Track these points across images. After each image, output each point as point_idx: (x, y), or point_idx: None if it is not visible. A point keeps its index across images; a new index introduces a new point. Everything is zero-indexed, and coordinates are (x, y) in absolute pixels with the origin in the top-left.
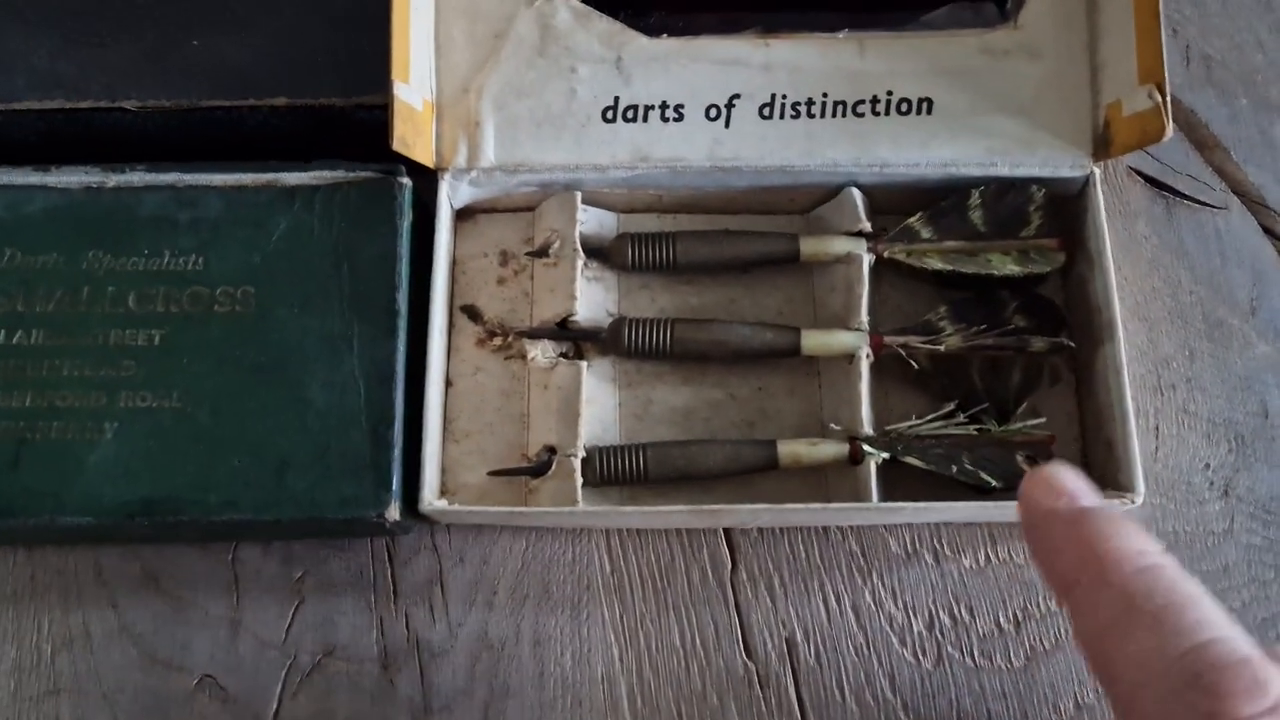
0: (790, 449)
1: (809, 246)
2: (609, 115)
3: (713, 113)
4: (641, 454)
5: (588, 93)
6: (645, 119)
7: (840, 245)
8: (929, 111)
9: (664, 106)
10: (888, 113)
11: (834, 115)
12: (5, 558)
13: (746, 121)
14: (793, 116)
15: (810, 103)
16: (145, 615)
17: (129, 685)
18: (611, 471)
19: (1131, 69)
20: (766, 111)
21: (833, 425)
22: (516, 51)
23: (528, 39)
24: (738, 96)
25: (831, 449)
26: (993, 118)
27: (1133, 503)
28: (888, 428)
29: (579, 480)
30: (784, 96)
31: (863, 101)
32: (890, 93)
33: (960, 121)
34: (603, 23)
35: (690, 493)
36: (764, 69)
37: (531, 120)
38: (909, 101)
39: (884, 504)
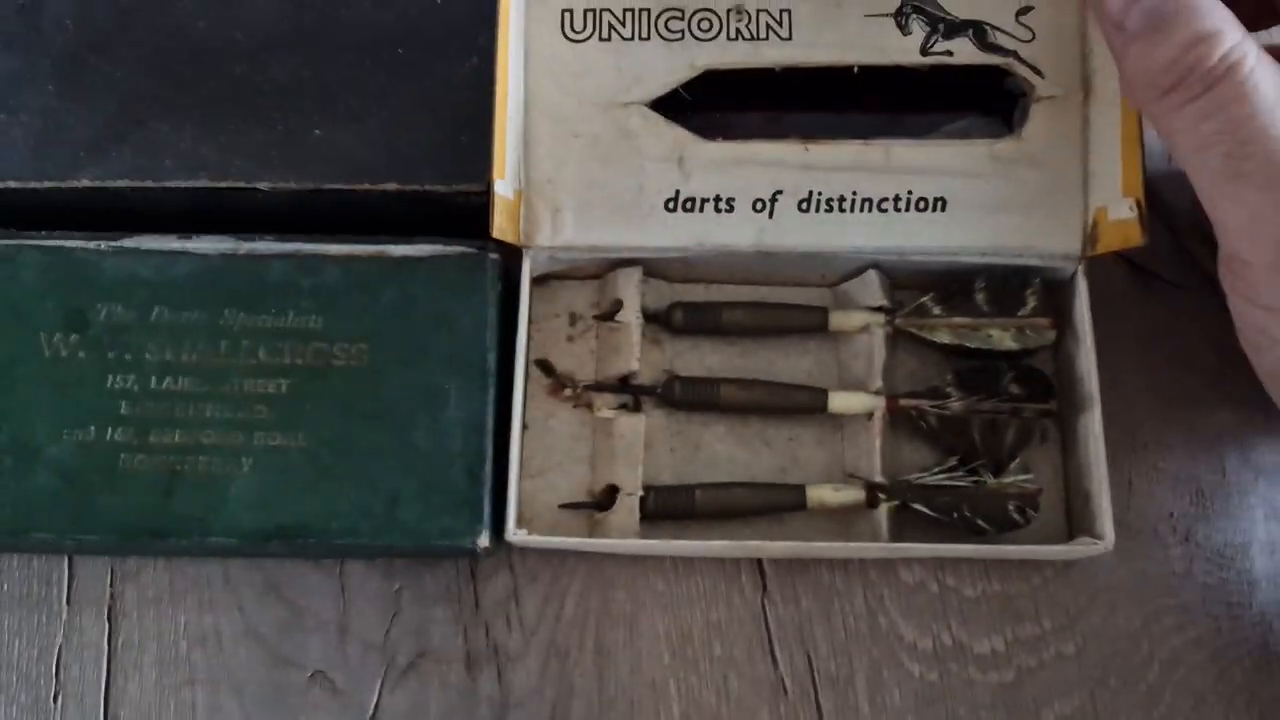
0: (817, 493)
1: (836, 319)
2: (670, 205)
3: (758, 205)
4: (691, 494)
5: (653, 186)
6: (701, 209)
7: (862, 318)
8: (943, 209)
9: (717, 200)
10: (908, 209)
11: (862, 210)
12: (148, 566)
13: (787, 213)
14: (826, 210)
15: (842, 199)
16: (268, 619)
17: (254, 678)
18: (665, 508)
19: (1117, 181)
20: (804, 205)
21: (853, 474)
22: (593, 150)
23: (603, 139)
24: (780, 192)
25: (851, 494)
26: (998, 215)
27: (1104, 547)
28: (900, 478)
29: (637, 515)
30: (819, 193)
31: (886, 199)
32: (910, 191)
33: (970, 217)
34: (668, 128)
35: (731, 527)
36: (803, 169)
37: (604, 207)
38: (926, 200)
39: (895, 544)
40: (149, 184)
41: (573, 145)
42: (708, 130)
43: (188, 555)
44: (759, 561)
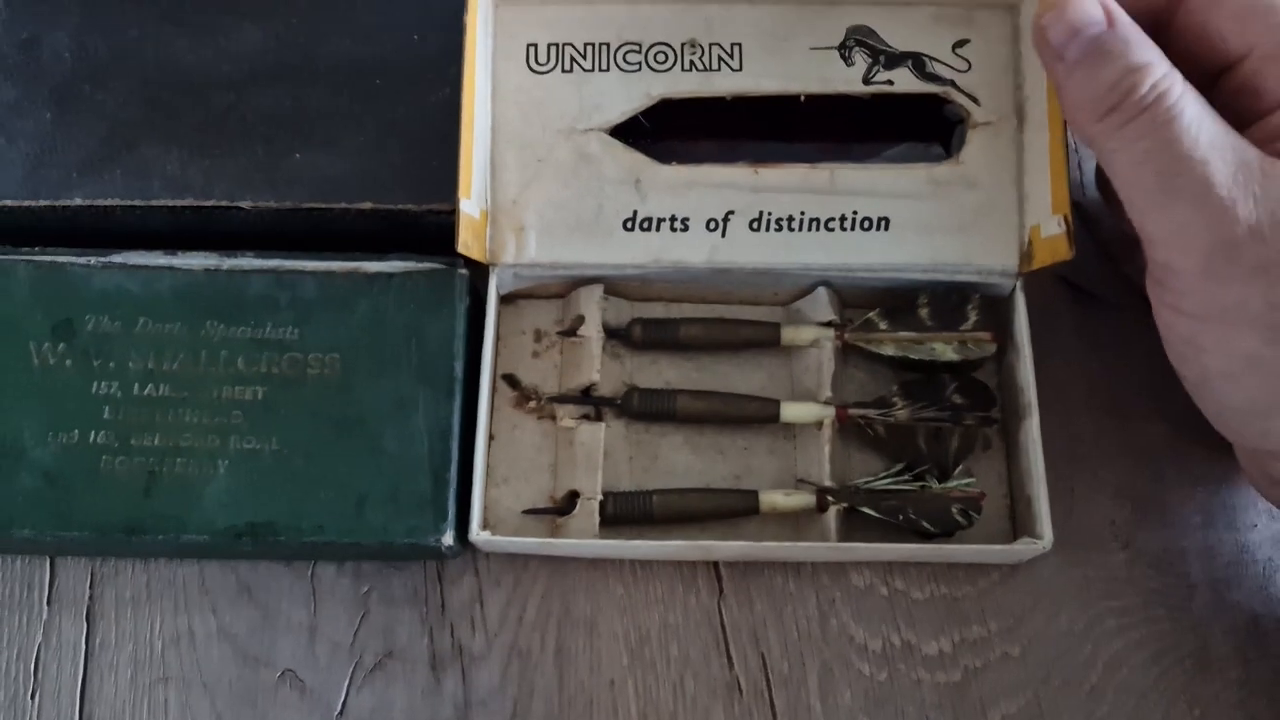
0: (769, 498)
1: (788, 334)
2: (628, 225)
3: (712, 225)
4: (649, 499)
5: (611, 207)
6: (657, 229)
7: (812, 333)
8: (886, 228)
9: (673, 219)
10: (854, 228)
11: (810, 229)
12: (126, 568)
13: (739, 232)
14: (776, 229)
15: (791, 219)
16: (240, 619)
17: (225, 677)
18: (624, 513)
19: (1047, 200)
20: (755, 225)
21: (803, 479)
22: (556, 173)
23: (565, 163)
24: (732, 213)
25: (802, 499)
26: (938, 234)
27: (1044, 547)
28: (849, 483)
29: (597, 519)
30: (769, 213)
31: (833, 219)
32: (855, 212)
33: (912, 235)
34: (626, 153)
35: (687, 531)
36: (753, 191)
37: (565, 227)
38: (870, 219)
39: (844, 544)
40: (137, 203)
41: (536, 169)
42: (664, 156)
43: (164, 553)
44: (715, 565)
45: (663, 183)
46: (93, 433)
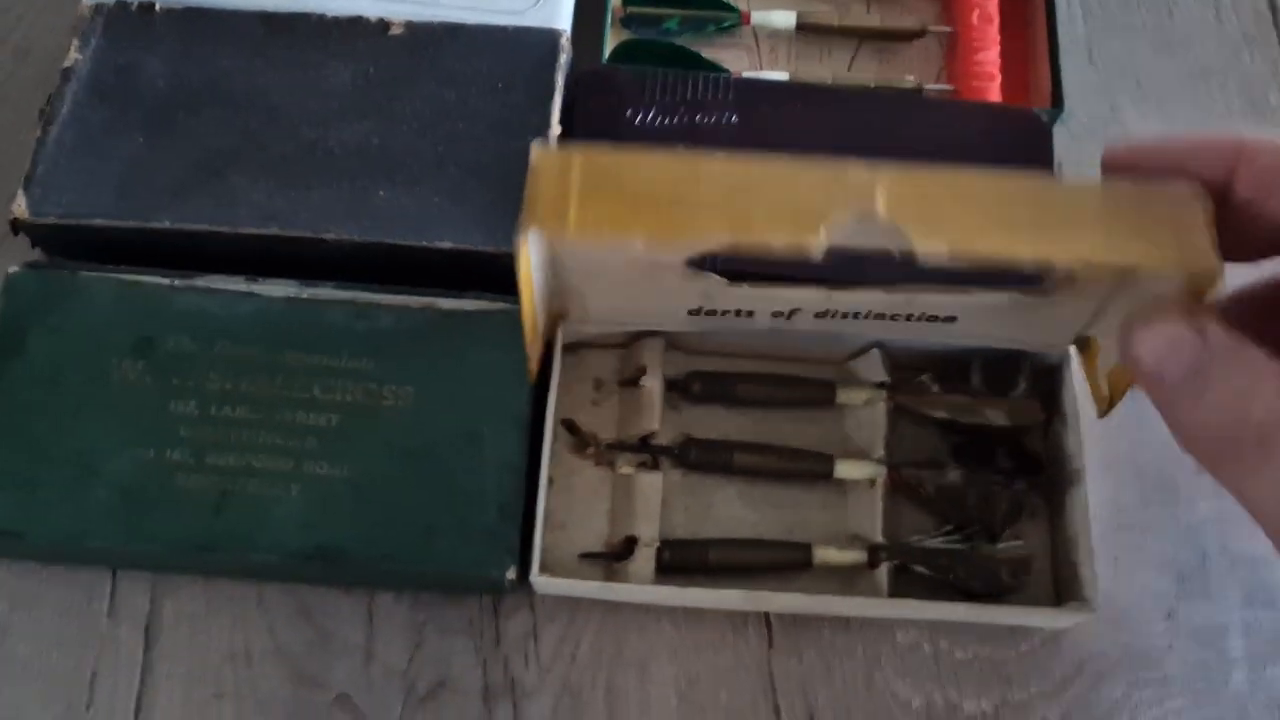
0: (822, 553)
1: (842, 394)
2: (693, 313)
3: (777, 317)
4: (705, 549)
5: (677, 301)
6: (721, 315)
7: (866, 394)
8: (953, 323)
9: (738, 312)
10: (918, 319)
11: (874, 318)
12: (186, 585)
13: (804, 321)
14: (841, 318)
15: (857, 313)
16: (297, 641)
17: (280, 696)
18: (679, 562)
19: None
20: (820, 316)
21: (855, 536)
22: (625, 283)
23: (637, 281)
24: (798, 310)
25: (853, 555)
26: (1003, 329)
27: (1091, 611)
28: (900, 541)
29: (653, 565)
30: (837, 310)
31: (899, 315)
32: (924, 313)
33: (976, 327)
34: (698, 278)
35: (740, 582)
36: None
37: (631, 315)
38: (938, 317)
39: (893, 600)
40: (223, 229)
41: (606, 282)
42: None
43: (231, 571)
44: (766, 616)
45: (732, 296)
46: (168, 449)
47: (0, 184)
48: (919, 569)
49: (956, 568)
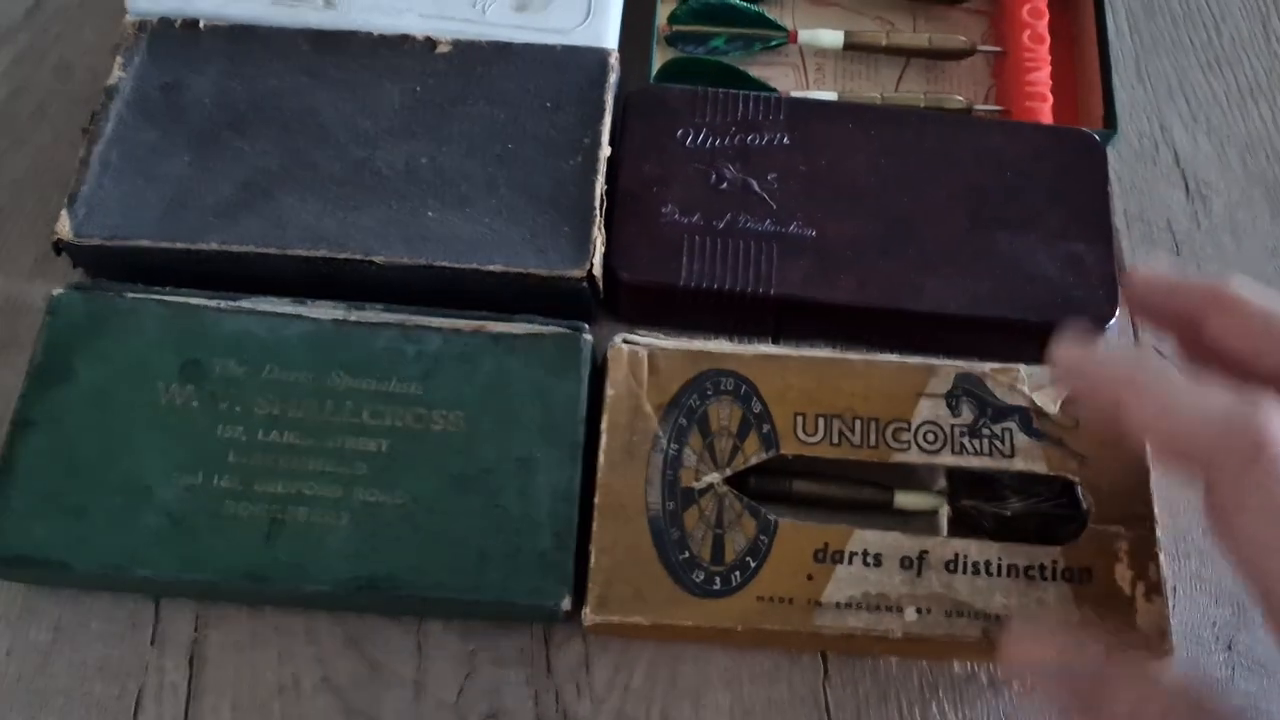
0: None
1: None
2: None
3: None
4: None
5: None
6: None
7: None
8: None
9: None
10: None
11: None
12: (232, 614)
13: None
14: None
15: None
16: (345, 672)
17: None
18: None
19: None
20: None
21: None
22: None
23: None
24: None
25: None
26: None
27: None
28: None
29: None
30: None
31: None
32: None
33: None
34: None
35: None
36: None
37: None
38: None
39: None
40: (271, 251)
41: None
42: None
43: (280, 601)
44: (822, 651)
45: None
46: (216, 476)
47: (40, 203)
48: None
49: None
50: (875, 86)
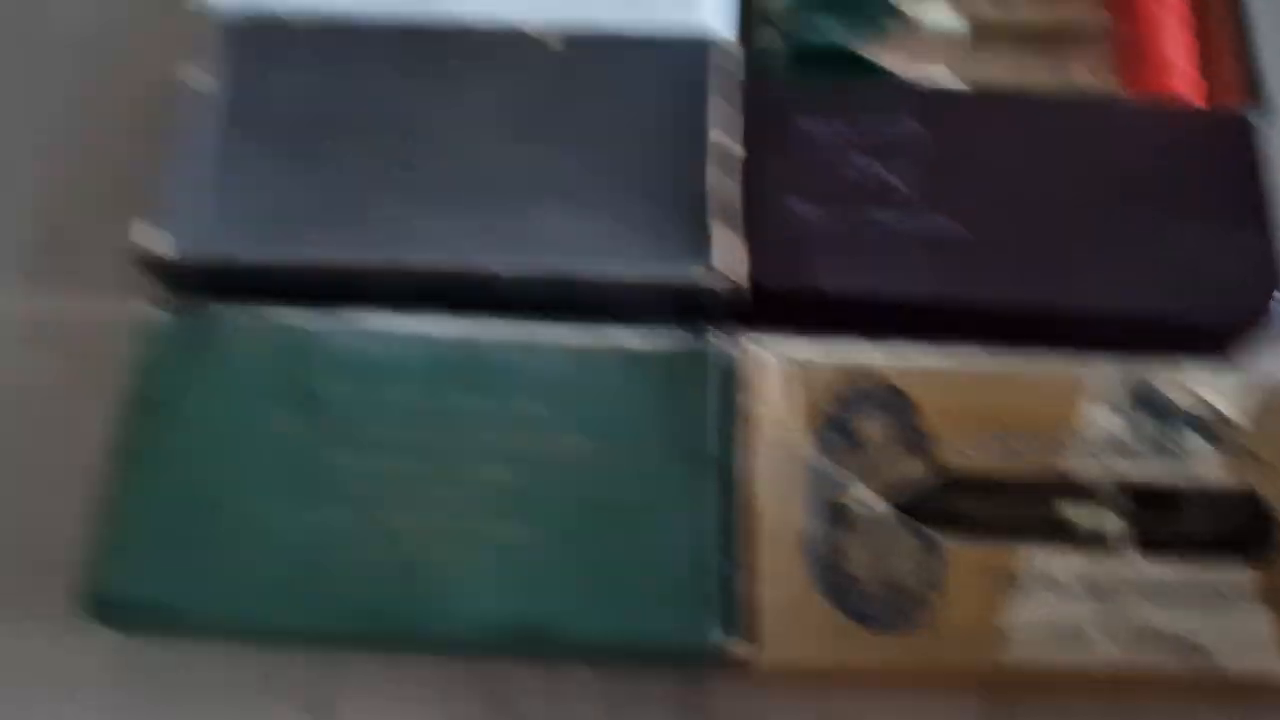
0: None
1: None
2: None
3: None
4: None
5: None
6: None
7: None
8: None
9: None
10: None
11: None
12: (362, 663)
13: None
14: None
15: None
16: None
17: None
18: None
19: None
20: None
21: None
22: None
23: None
24: None
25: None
26: None
27: None
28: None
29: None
30: None
31: None
32: None
33: None
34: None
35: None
36: None
37: None
38: None
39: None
40: (379, 263)
41: None
42: None
43: (412, 648)
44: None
45: None
46: (341, 510)
47: (115, 216)
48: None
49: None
50: (992, 69)
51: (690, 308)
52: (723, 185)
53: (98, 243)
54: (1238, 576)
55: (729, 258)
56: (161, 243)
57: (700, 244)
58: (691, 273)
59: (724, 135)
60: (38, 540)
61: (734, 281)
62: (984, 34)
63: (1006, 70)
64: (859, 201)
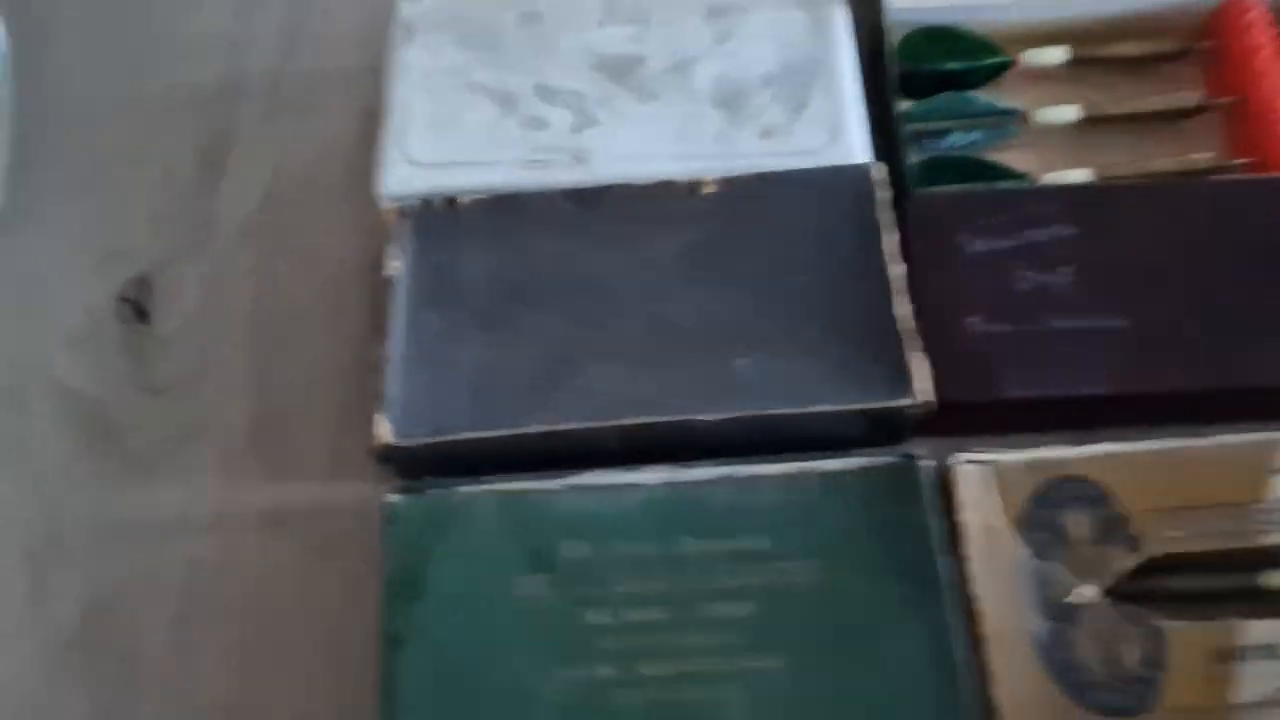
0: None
1: None
2: None
3: None
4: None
5: None
6: None
7: None
8: None
9: None
10: None
11: None
12: None
13: None
14: None
15: None
16: None
17: None
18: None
19: None
20: None
21: None
22: None
23: None
24: None
25: None
26: None
27: None
28: None
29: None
30: None
31: None
32: None
33: None
34: None
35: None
36: None
37: None
38: None
39: None
40: (593, 424)
41: None
42: None
43: None
44: None
45: None
46: (595, 665)
47: (323, 401)
48: None
49: None
50: (1111, 156)
51: (881, 428)
52: (904, 310)
53: (309, 428)
54: None
55: (924, 382)
56: (389, 430)
57: (898, 372)
58: (896, 404)
59: (893, 259)
60: None
61: (929, 402)
62: (1100, 124)
63: (1128, 157)
64: (1028, 308)
